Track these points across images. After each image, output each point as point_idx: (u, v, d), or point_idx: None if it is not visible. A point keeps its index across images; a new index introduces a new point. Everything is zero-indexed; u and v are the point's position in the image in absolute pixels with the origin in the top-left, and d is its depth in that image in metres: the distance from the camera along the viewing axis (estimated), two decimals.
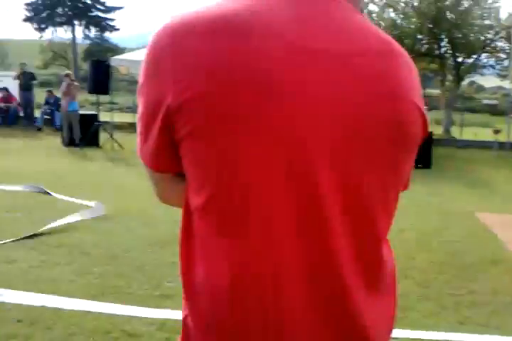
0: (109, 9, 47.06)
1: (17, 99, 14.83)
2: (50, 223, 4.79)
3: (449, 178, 8.88)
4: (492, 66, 17.95)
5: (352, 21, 0.78)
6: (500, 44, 16.70)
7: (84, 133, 10.94)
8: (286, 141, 0.71)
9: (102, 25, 46.92)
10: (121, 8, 50.33)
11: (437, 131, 14.33)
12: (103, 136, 11.27)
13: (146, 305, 3.20)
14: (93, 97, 13.08)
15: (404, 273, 3.78)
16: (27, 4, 45.04)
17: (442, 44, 16.75)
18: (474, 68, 17.62)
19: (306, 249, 0.74)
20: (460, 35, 15.98)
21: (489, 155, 12.20)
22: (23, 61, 16.09)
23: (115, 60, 12.22)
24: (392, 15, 16.65)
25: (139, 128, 0.81)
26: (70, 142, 11.09)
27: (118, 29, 48.00)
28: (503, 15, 22.37)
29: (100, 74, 11.04)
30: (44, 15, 45.41)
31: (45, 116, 14.20)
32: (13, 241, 4.36)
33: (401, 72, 0.78)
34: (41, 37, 45.67)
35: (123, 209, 5.58)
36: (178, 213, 0.84)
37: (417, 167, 8.29)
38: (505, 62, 16.44)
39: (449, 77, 17.77)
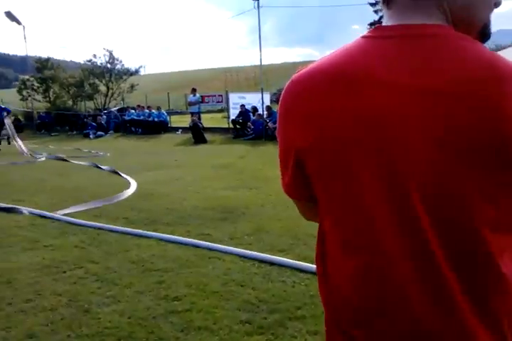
0: None
1: None
2: None
3: None
4: None
5: (457, 51, 0.82)
6: None
7: None
8: (398, 175, 0.83)
9: None
10: None
11: None
12: None
13: None
14: None
15: None
16: None
17: None
18: None
19: (409, 254, 0.85)
20: None
21: None
22: None
23: None
24: None
25: (279, 165, 1.02)
26: None
27: None
28: None
29: None
30: None
31: None
32: None
33: (505, 100, 0.77)
34: None
35: None
36: None
37: None
38: None
39: None
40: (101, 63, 24.96)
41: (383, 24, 0.91)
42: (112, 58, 24.72)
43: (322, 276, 1.00)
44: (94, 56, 25.19)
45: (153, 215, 6.13)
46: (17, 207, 6.71)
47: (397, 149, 0.82)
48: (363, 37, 0.91)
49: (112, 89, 24.98)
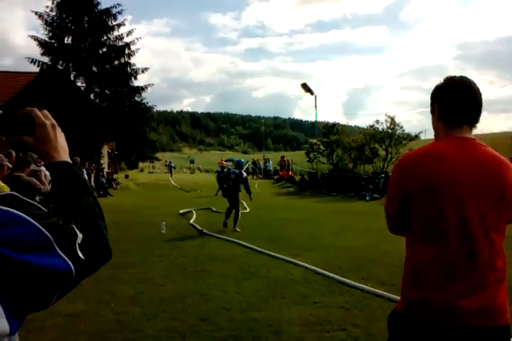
0: None
1: None
2: None
3: None
4: None
5: (482, 148, 1.96)
6: None
7: None
8: (458, 206, 1.88)
9: None
10: None
11: None
12: None
13: None
14: None
15: None
16: None
17: None
18: None
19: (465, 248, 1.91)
20: None
21: None
22: None
23: None
24: None
25: (386, 203, 2.13)
26: None
27: None
28: None
29: None
30: None
31: None
32: None
33: (505, 171, 1.93)
34: None
35: None
36: None
37: None
38: None
39: None
40: (382, 129, 25.86)
41: (447, 136, 2.03)
42: (393, 124, 25.40)
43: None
44: (377, 122, 26.27)
45: None
46: (294, 260, 7.34)
47: (465, 195, 1.89)
48: (438, 140, 2.06)
49: (391, 153, 25.49)
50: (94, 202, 1.19)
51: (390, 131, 25.87)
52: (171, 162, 46.41)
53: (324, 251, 8.34)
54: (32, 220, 0.93)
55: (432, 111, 2.10)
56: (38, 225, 0.93)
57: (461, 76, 2.05)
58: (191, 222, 12.10)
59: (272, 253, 7.87)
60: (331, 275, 6.46)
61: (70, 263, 0.96)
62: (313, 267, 6.90)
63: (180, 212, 14.64)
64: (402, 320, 1.97)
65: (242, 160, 14.08)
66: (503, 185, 1.89)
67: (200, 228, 11.06)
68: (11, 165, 7.55)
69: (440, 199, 1.88)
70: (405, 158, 2.05)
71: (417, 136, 26.22)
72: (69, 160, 1.24)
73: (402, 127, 26.07)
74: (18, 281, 0.89)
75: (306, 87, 30.86)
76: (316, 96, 29.92)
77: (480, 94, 2.04)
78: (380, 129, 26.20)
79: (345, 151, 27.41)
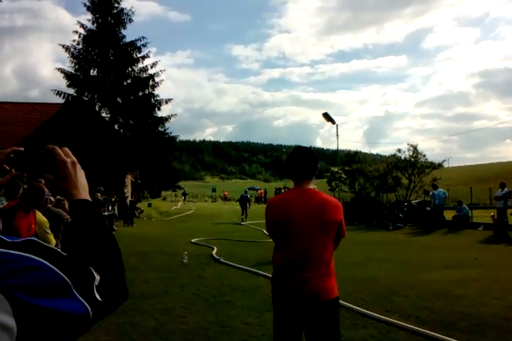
0: None
1: None
2: None
3: None
4: None
5: (314, 194, 3.27)
6: None
7: None
8: (298, 229, 3.18)
9: None
10: None
11: None
12: None
13: None
14: None
15: None
16: None
17: None
18: None
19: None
20: None
21: None
22: None
23: None
24: None
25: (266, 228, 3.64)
26: None
27: None
28: None
29: None
30: None
31: None
32: None
33: (329, 207, 3.24)
34: None
35: None
36: None
37: None
38: None
39: None
40: (405, 157, 25.71)
41: (294, 187, 3.39)
42: (415, 152, 25.26)
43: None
44: (399, 151, 26.15)
45: (446, 318, 5.85)
46: None
47: (301, 221, 3.17)
48: (290, 190, 3.53)
49: (414, 182, 25.25)
50: (112, 241, 1.21)
51: (412, 159, 25.66)
52: (185, 190, 55.12)
53: (346, 282, 8.21)
54: (51, 265, 0.95)
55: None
56: (57, 270, 0.96)
57: (304, 147, 3.57)
58: (213, 253, 12.06)
59: None
60: (354, 307, 6.35)
61: (87, 305, 0.98)
62: None
63: (192, 241, 14.81)
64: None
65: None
66: (325, 216, 3.20)
67: (222, 259, 11.01)
68: (53, 199, 7.67)
69: (287, 224, 3.20)
70: (271, 200, 3.59)
71: (440, 165, 25.97)
72: (88, 198, 1.26)
73: (424, 155, 25.87)
74: (35, 325, 0.91)
75: (327, 117, 31.03)
76: (337, 125, 30.01)
77: (315, 159, 3.32)
78: (403, 158, 26.02)
79: (368, 180, 27.23)
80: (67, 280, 0.96)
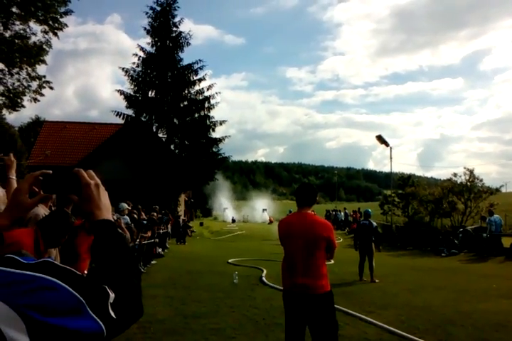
0: None
1: None
2: None
3: None
4: None
5: (311, 217, 4.52)
6: None
7: None
8: (294, 242, 4.46)
9: None
10: None
11: None
12: None
13: None
14: None
15: None
16: None
17: None
18: None
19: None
20: None
21: None
22: None
23: None
24: None
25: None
26: None
27: None
28: None
29: None
30: None
31: None
32: None
33: (318, 226, 4.44)
34: None
35: None
36: None
37: None
38: None
39: None
40: (461, 182, 25.01)
41: (297, 211, 4.67)
42: (472, 177, 24.53)
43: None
44: (455, 175, 25.47)
45: None
46: (368, 318, 7.14)
47: (300, 237, 4.40)
48: (295, 213, 4.70)
49: (470, 207, 24.47)
50: (131, 259, 1.24)
51: (469, 184, 24.92)
52: (233, 217, 52.84)
53: (399, 309, 8.06)
54: (64, 285, 1.00)
55: None
56: (71, 289, 1.00)
57: (307, 183, 5.29)
58: (263, 275, 12.01)
59: (345, 310, 7.68)
60: (407, 335, 6.21)
61: (100, 323, 1.01)
62: (388, 327, 6.67)
63: (229, 261, 14.93)
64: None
65: (369, 209, 13.68)
66: (315, 232, 4.36)
67: (271, 284, 11.00)
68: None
69: (288, 238, 4.52)
70: (280, 221, 4.96)
71: (498, 190, 25.10)
72: (110, 219, 1.32)
73: (481, 180, 25.07)
74: None
75: (381, 139, 30.70)
76: (391, 148, 29.63)
77: (314, 192, 4.60)
78: (459, 182, 25.32)
79: (422, 204, 26.58)
80: (81, 299, 1.00)
